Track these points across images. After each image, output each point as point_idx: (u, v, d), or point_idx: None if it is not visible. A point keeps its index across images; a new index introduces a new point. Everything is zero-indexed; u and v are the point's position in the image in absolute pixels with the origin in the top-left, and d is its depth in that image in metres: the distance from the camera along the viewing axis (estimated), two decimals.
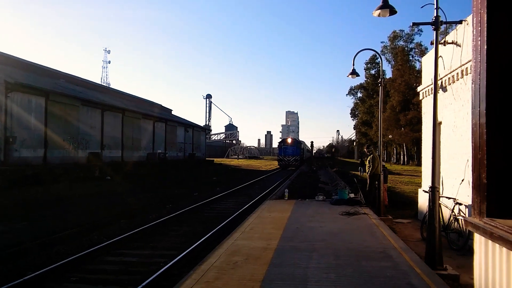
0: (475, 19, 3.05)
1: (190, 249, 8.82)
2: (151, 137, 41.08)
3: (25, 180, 20.56)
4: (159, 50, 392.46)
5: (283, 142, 58.86)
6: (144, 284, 6.51)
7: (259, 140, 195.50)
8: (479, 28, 2.98)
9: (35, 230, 10.97)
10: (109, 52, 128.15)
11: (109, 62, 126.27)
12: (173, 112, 59.78)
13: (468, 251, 8.22)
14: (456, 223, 9.12)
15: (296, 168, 51.70)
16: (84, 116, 29.44)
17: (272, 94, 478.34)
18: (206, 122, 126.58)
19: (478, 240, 3.06)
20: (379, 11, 8.82)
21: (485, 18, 2.89)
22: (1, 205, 15.03)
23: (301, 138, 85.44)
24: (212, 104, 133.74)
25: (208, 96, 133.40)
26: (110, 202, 16.96)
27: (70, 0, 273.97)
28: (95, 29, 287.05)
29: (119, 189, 21.45)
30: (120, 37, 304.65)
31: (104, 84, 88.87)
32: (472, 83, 3.13)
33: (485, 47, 2.90)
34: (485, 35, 2.89)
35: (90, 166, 27.76)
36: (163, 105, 57.24)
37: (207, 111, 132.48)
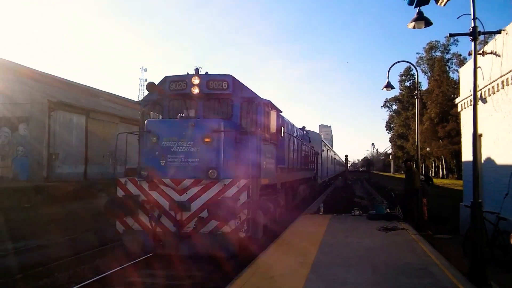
0: None
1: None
2: None
3: (67, 196, 21.27)
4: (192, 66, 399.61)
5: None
6: None
7: None
8: None
9: (76, 245, 11.31)
10: (145, 70, 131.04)
11: (146, 80, 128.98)
12: None
13: None
14: (500, 238, 8.76)
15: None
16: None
17: (306, 108, 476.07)
18: None
19: None
20: (413, 23, 8.72)
21: None
22: (44, 220, 15.59)
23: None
24: None
25: None
26: None
27: (110, 21, 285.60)
28: (132, 49, 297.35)
29: None
30: (155, 55, 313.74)
31: None
32: None
33: None
34: None
35: None
36: None
37: None
